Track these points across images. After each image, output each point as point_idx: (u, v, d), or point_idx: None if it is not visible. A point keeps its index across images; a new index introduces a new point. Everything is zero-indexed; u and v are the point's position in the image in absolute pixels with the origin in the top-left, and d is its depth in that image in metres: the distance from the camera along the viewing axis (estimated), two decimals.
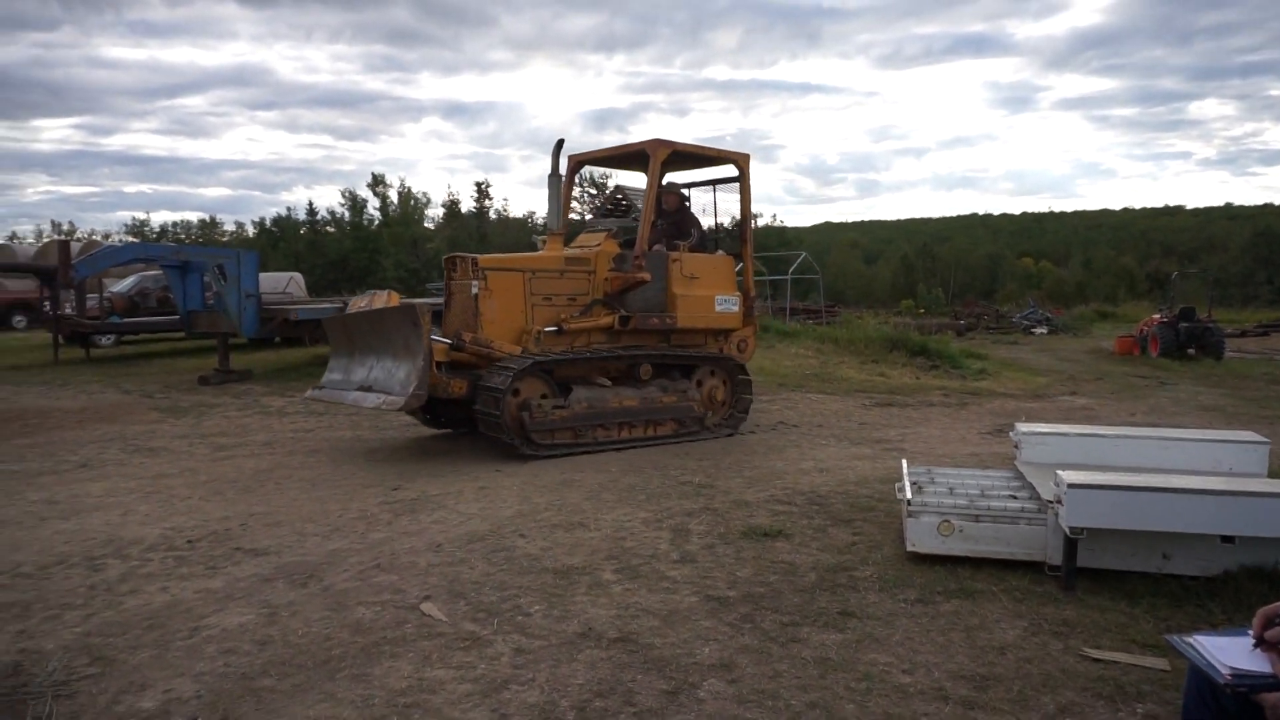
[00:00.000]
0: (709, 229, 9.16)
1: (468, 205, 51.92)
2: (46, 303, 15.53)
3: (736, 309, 8.44)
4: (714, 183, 9.25)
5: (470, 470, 6.67)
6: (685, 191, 9.01)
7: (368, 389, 7.03)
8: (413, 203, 52.12)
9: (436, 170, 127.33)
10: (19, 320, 23.31)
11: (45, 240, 45.66)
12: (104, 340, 16.43)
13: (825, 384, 12.48)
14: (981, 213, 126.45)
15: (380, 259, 43.79)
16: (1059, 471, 4.03)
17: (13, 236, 60.66)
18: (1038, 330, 27.38)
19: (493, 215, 51.51)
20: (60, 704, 3.07)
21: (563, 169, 8.26)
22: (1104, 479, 3.96)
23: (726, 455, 7.27)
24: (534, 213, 54.21)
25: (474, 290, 7.26)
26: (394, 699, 3.02)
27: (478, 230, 47.92)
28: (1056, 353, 20.42)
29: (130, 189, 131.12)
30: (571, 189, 9.29)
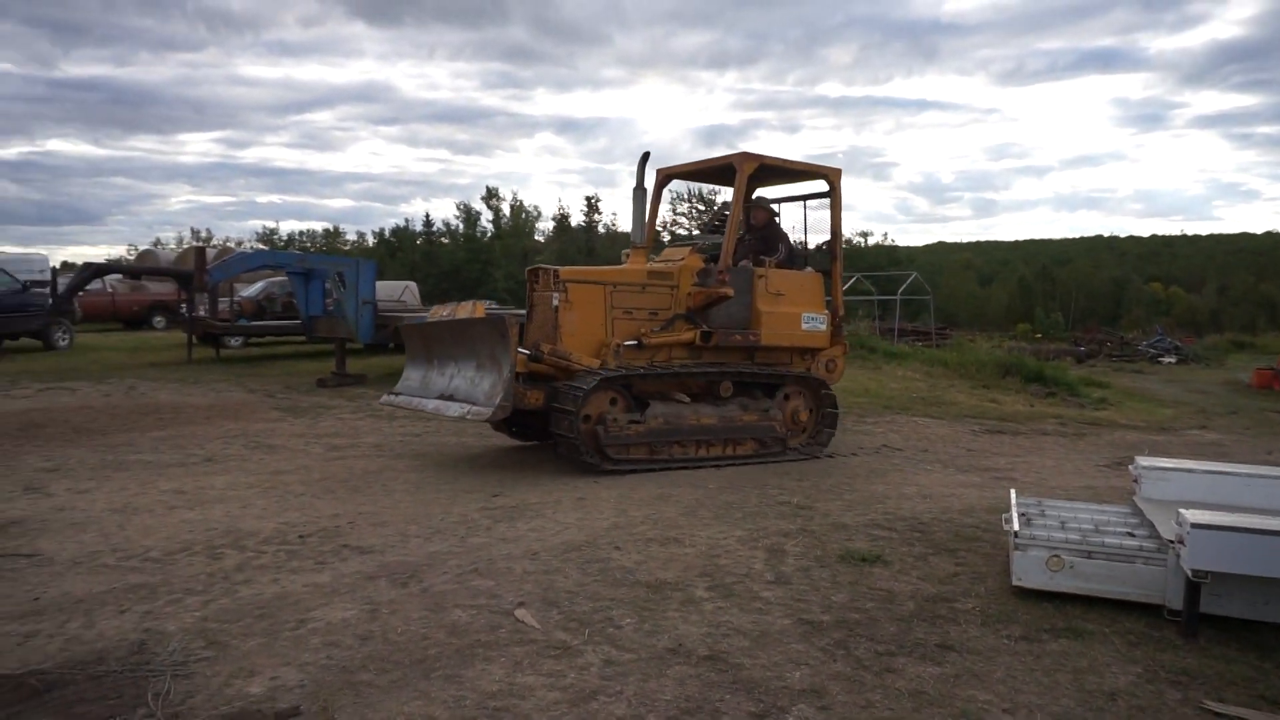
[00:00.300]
0: (799, 245, 8.95)
1: (577, 219, 52.78)
2: (183, 305, 16.53)
3: (824, 328, 8.22)
4: (805, 198, 9.02)
5: (569, 481, 6.75)
6: (775, 207, 8.85)
7: (449, 398, 7.05)
8: (524, 216, 53.38)
9: (548, 184, 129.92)
10: (159, 320, 24.86)
11: (185, 246, 48.61)
12: (233, 342, 17.37)
13: (933, 408, 12.13)
14: (1107, 234, 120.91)
15: (491, 270, 44.97)
16: (1182, 510, 3.80)
17: (157, 243, 64.80)
18: (1165, 359, 25.95)
19: (601, 229, 52.20)
20: (178, 683, 3.25)
21: (649, 183, 8.23)
22: (1232, 520, 3.72)
23: (827, 477, 7.15)
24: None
25: (554, 302, 7.26)
26: (484, 701, 3.08)
27: (586, 244, 48.64)
28: (1186, 384, 19.30)
29: (262, 199, 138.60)
30: (659, 203, 9.22)
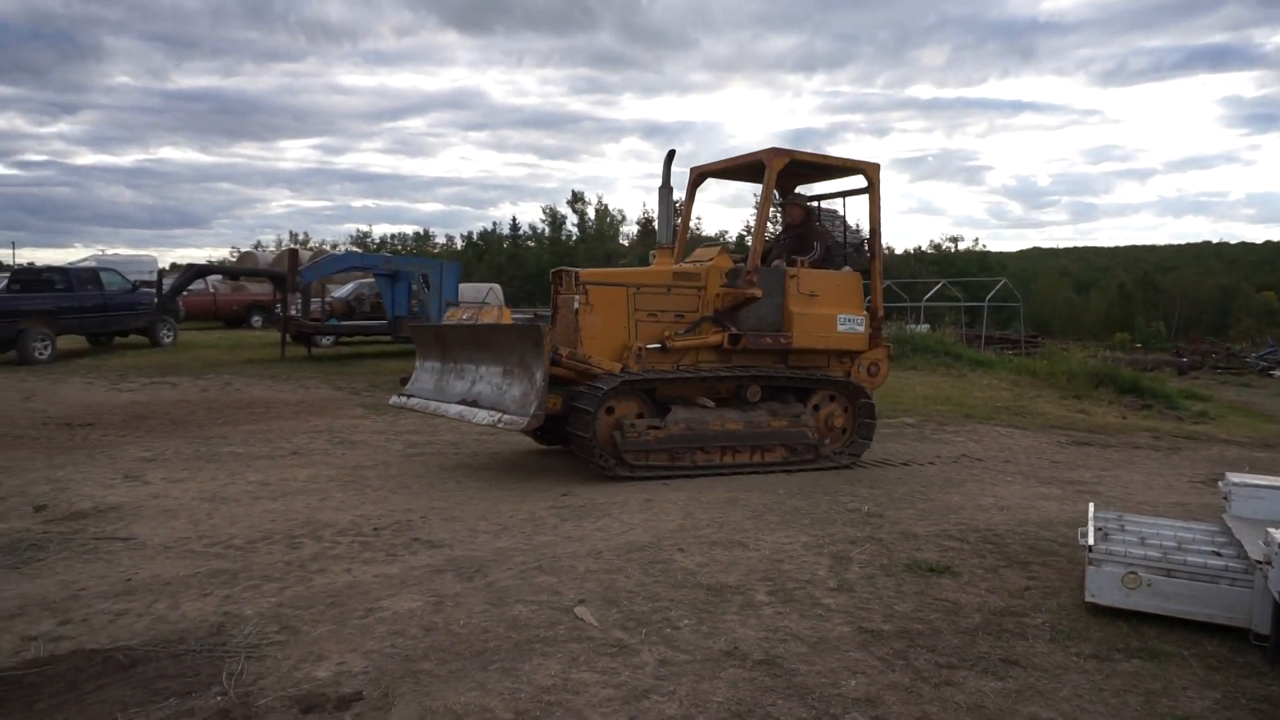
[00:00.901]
0: (840, 244, 8.65)
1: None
2: (278, 305, 17.20)
3: (862, 329, 7.87)
4: (844, 194, 8.69)
5: (638, 482, 6.79)
6: (815, 205, 8.57)
7: (472, 404, 6.80)
8: (609, 220, 53.85)
9: (633, 189, 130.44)
10: (256, 319, 25.91)
11: (283, 249, 50.54)
12: (323, 340, 17.99)
13: (1017, 418, 11.78)
14: (1215, 240, 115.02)
15: None
16: (1271, 529, 3.62)
17: (258, 245, 67.55)
18: (1277, 372, 24.61)
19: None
20: (251, 664, 3.40)
21: (679, 182, 8.18)
22: None
23: (901, 485, 7.02)
24: (725, 231, 54.56)
25: (575, 305, 7.07)
26: (539, 695, 3.13)
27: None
28: None
29: (357, 203, 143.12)
30: (693, 201, 8.98)
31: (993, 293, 28.48)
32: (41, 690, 3.22)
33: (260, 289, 26.35)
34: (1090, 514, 4.49)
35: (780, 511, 5.91)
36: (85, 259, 33.17)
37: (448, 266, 14.02)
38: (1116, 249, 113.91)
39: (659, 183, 7.89)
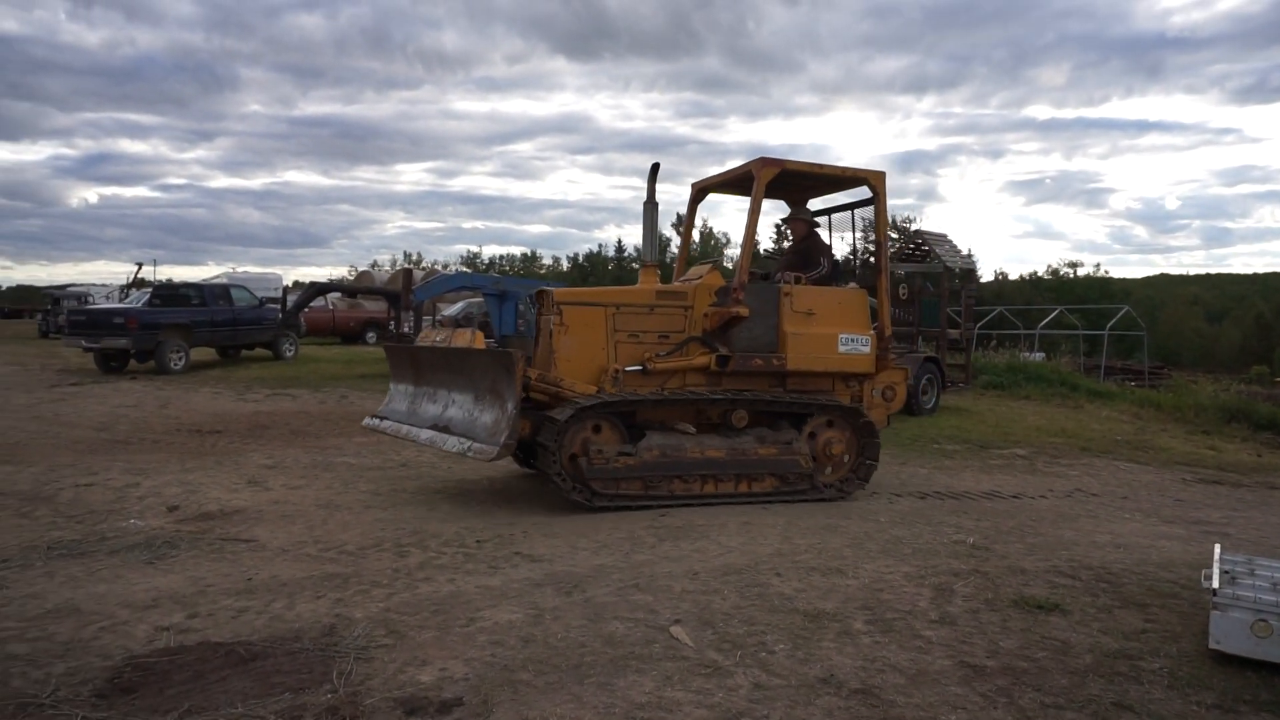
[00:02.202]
0: (848, 259, 8.24)
1: (766, 245, 52.68)
2: (392, 322, 17.88)
3: (868, 350, 7.36)
4: (851, 206, 8.30)
5: (738, 505, 6.77)
6: (818, 219, 8.20)
7: (444, 429, 6.50)
8: (713, 242, 53.94)
9: (738, 212, 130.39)
10: (371, 336, 26.99)
11: (398, 268, 52.48)
12: None
13: (1138, 453, 11.22)
14: None
15: None
16: None
17: (374, 264, 70.41)
18: None
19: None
20: (359, 665, 3.55)
21: (668, 197, 7.85)
22: None
23: (1009, 518, 6.78)
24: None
25: (550, 326, 6.82)
26: (632, 712, 3.17)
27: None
28: None
29: (468, 225, 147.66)
30: (694, 218, 8.67)
31: (1114, 321, 27.23)
32: (171, 677, 3.44)
33: (376, 307, 27.46)
34: (1216, 556, 4.25)
35: (881, 540, 5.80)
36: (217, 276, 35.25)
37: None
38: (1254, 276, 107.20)
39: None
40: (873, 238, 7.90)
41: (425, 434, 6.60)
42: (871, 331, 7.48)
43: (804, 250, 7.93)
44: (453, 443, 6.24)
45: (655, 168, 7.39)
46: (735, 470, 6.76)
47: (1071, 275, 59.57)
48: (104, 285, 39.46)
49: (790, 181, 7.63)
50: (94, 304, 26.38)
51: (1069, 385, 16.96)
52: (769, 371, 7.13)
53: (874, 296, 7.73)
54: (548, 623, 4.05)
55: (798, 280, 7.34)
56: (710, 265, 7.57)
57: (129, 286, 33.65)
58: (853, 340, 7.33)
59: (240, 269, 43.33)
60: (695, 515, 6.37)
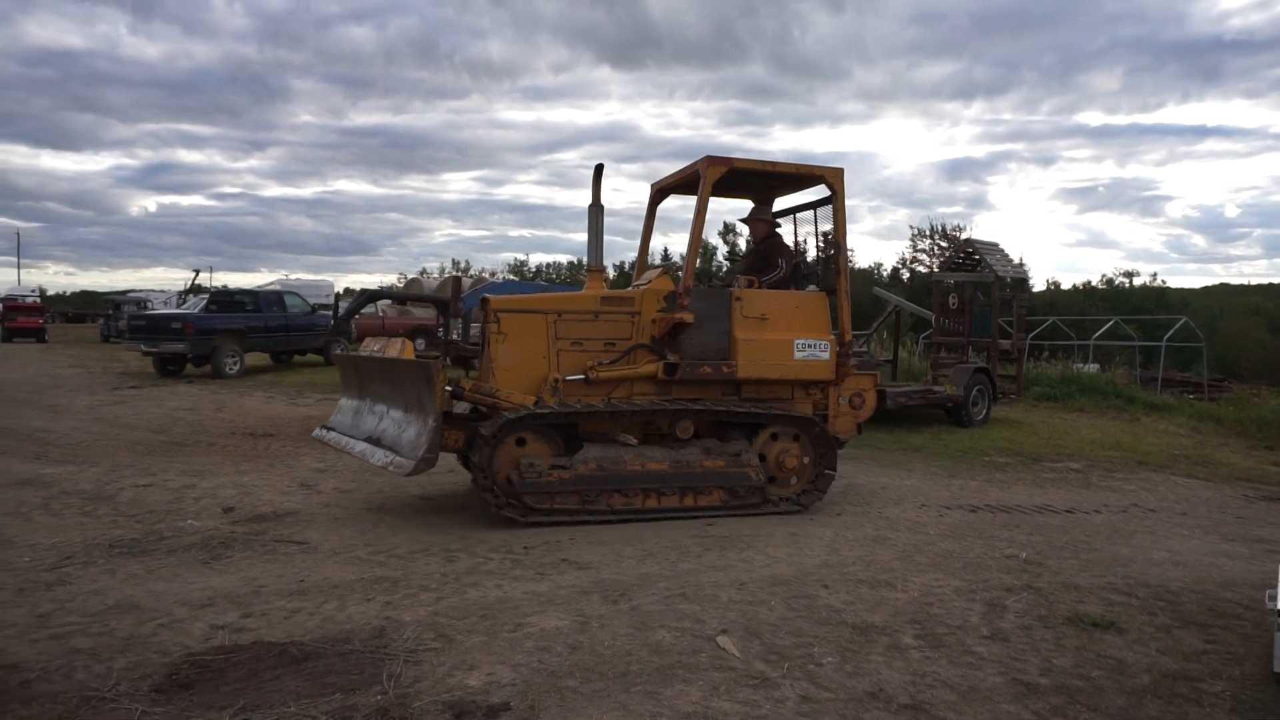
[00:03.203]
0: (810, 261, 7.90)
1: (813, 254, 52.39)
2: (440, 329, 18.08)
3: (827, 356, 7.00)
4: (811, 205, 8.00)
5: (784, 515, 6.73)
6: (780, 219, 7.91)
7: (376, 441, 6.32)
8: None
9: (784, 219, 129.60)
10: (420, 342, 27.32)
11: (444, 276, 53.10)
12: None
13: (1197, 468, 10.91)
14: None
15: None
16: None
17: (423, 272, 71.27)
18: None
19: None
20: (408, 668, 3.59)
21: (617, 200, 7.42)
22: None
23: (1063, 534, 6.65)
24: (880, 263, 53.32)
25: (489, 334, 6.58)
26: None
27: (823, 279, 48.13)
28: None
29: (514, 233, 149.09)
30: (653, 220, 8.30)
31: (1171, 332, 26.57)
32: (227, 675, 3.52)
33: (424, 314, 27.79)
34: None
35: (930, 553, 5.72)
36: (272, 283, 35.98)
37: None
38: None
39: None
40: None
41: (359, 446, 6.38)
42: (832, 336, 7.13)
43: (763, 252, 7.63)
44: (379, 456, 6.03)
45: (599, 169, 7.06)
46: (679, 483, 6.46)
47: (1127, 285, 58.16)
48: (162, 291, 40.56)
49: (752, 181, 7.43)
50: (153, 309, 27.11)
51: (1124, 398, 16.56)
52: (719, 380, 6.81)
53: (835, 299, 7.41)
54: (594, 630, 4.06)
55: (751, 284, 7.09)
56: (661, 270, 7.26)
57: (186, 292, 34.53)
58: (810, 346, 6.98)
59: (293, 276, 44.25)
60: (741, 525, 6.34)
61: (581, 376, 6.59)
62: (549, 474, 6.10)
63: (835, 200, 7.32)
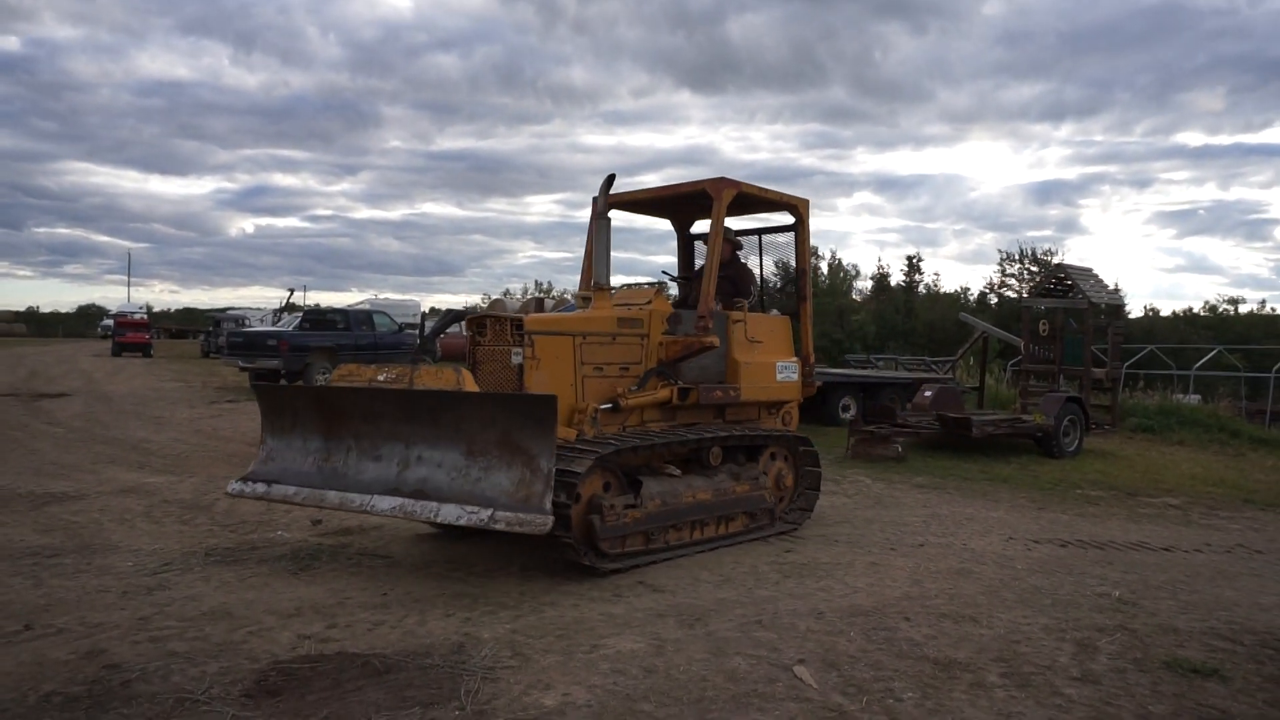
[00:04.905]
0: (770, 284, 7.94)
1: (897, 278, 51.52)
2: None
3: (796, 378, 7.32)
4: (773, 230, 8.02)
5: (864, 545, 6.60)
6: (739, 240, 7.82)
7: (416, 494, 5.03)
8: (842, 275, 53.07)
9: (866, 243, 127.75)
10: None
11: (528, 297, 53.90)
12: None
13: None
14: None
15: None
16: None
17: (506, 293, 72.45)
18: None
19: (922, 290, 50.53)
20: (486, 685, 3.64)
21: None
22: None
23: (1160, 573, 6.35)
24: (967, 288, 52.03)
25: (516, 359, 5.74)
26: None
27: (905, 304, 47.29)
28: None
29: None
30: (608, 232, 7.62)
31: None
32: (311, 684, 3.62)
33: None
34: None
35: (1017, 589, 5.53)
36: (362, 302, 37.12)
37: None
38: None
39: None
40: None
41: (385, 502, 5.06)
42: (796, 358, 7.48)
43: (733, 275, 7.50)
44: (449, 511, 4.85)
45: (610, 180, 6.78)
46: (719, 512, 6.27)
47: (1231, 312, 55.48)
48: (258, 309, 42.24)
49: (698, 203, 7.35)
50: (249, 327, 28.22)
51: (1229, 431, 15.76)
52: (725, 403, 6.83)
53: (798, 322, 7.68)
54: (669, 654, 4.05)
55: (739, 307, 7.13)
56: (654, 289, 7.03)
57: (281, 310, 35.88)
58: (786, 368, 7.31)
59: (381, 295, 45.56)
60: (820, 553, 6.24)
61: (610, 405, 6.16)
62: (625, 514, 5.56)
63: (800, 227, 7.68)
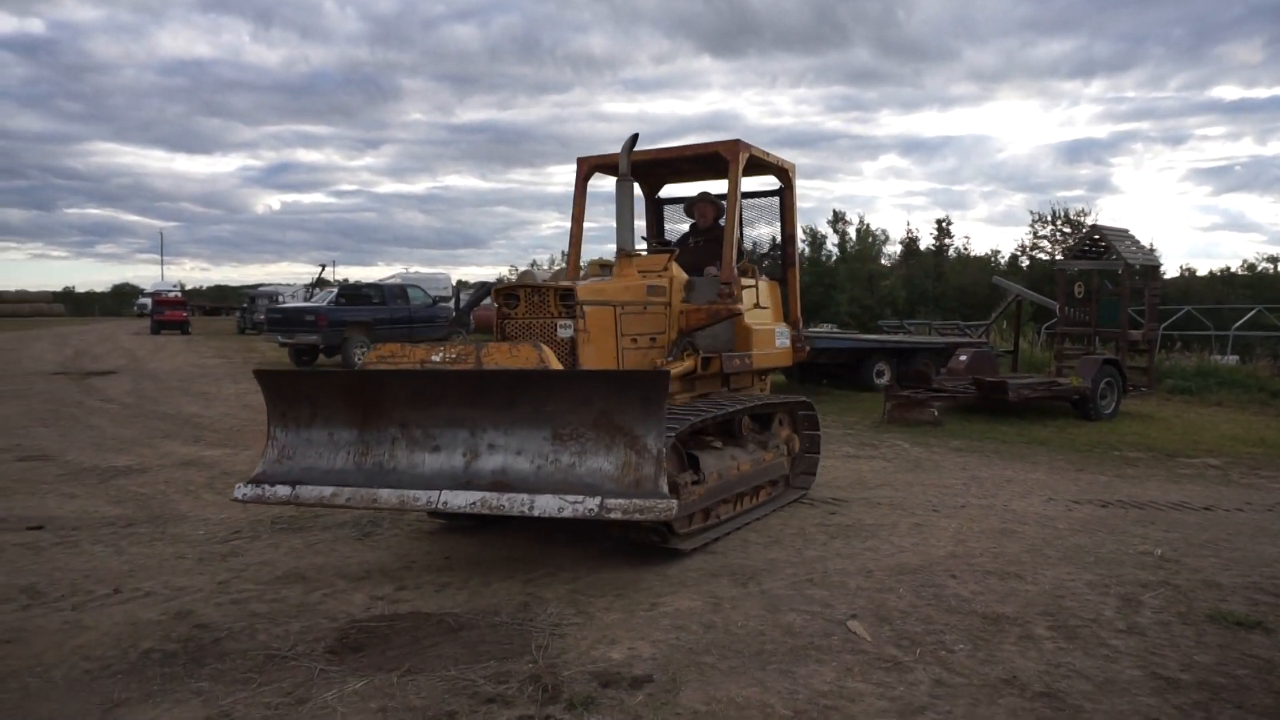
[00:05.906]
0: (761, 251, 7.92)
1: (926, 243, 51.06)
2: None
3: (788, 343, 7.40)
4: (759, 194, 8.01)
5: (906, 507, 6.73)
6: (722, 204, 7.43)
7: (497, 486, 4.35)
8: (870, 239, 52.65)
9: (893, 207, 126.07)
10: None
11: (555, 267, 54.05)
12: None
13: None
14: None
15: (835, 294, 44.96)
16: None
17: (534, 264, 72.70)
18: None
19: (951, 253, 50.07)
20: (554, 640, 3.83)
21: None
22: None
23: (1202, 531, 6.42)
24: (998, 250, 51.48)
25: (565, 332, 5.37)
26: (816, 699, 3.29)
27: (935, 268, 46.93)
28: None
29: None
30: (584, 198, 7.76)
31: None
32: (391, 640, 3.83)
33: None
34: None
35: (1060, 547, 5.64)
36: (392, 276, 37.44)
37: None
38: None
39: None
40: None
41: (459, 497, 4.35)
42: (786, 323, 7.56)
43: (720, 237, 7.08)
44: (548, 503, 4.22)
45: (633, 139, 6.63)
46: (754, 481, 6.16)
47: (1271, 271, 54.41)
48: (289, 285, 42.75)
49: (664, 164, 7.31)
50: (284, 303, 28.64)
51: (1269, 391, 15.63)
52: (743, 370, 6.75)
53: (785, 288, 7.74)
54: (727, 611, 4.22)
55: (745, 272, 6.98)
56: (668, 255, 6.65)
57: (313, 286, 36.31)
58: (783, 334, 7.37)
59: (410, 269, 45.88)
60: (864, 514, 6.38)
61: None
62: (694, 491, 5.31)
63: (787, 192, 7.70)
